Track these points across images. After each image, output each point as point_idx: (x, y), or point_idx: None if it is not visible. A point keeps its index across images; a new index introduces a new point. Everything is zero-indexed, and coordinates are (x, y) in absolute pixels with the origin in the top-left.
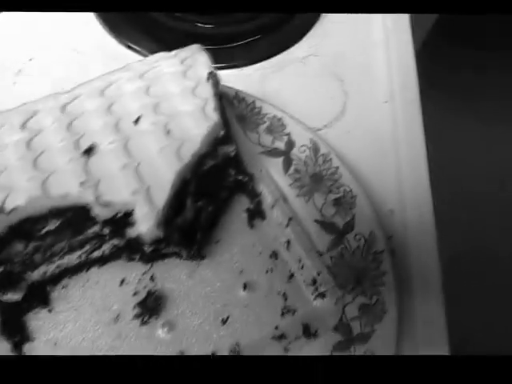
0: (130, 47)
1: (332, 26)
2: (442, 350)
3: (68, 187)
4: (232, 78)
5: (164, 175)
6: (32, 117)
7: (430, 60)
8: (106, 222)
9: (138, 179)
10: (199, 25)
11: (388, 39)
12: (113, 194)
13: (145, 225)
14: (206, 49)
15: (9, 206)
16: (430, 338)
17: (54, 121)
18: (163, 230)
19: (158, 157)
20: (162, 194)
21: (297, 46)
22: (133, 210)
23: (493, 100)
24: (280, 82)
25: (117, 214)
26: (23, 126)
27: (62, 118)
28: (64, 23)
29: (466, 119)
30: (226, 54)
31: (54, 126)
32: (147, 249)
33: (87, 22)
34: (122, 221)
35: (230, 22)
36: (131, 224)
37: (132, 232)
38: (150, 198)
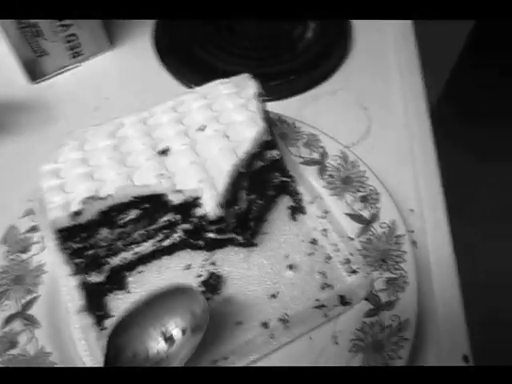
0: (186, 85)
1: (355, 66)
2: (457, 304)
3: (149, 179)
4: (275, 106)
5: (224, 167)
6: (119, 128)
7: None
8: (178, 208)
9: (204, 171)
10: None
11: (402, 77)
12: (184, 183)
13: (209, 205)
14: None
15: (102, 193)
16: (445, 301)
17: (136, 130)
18: (224, 211)
19: (219, 154)
20: (222, 181)
21: (327, 82)
22: (199, 196)
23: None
24: (314, 110)
25: (187, 198)
26: (112, 134)
27: (143, 128)
28: (132, 70)
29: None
30: (271, 89)
31: (137, 134)
32: (211, 228)
33: (151, 68)
34: (191, 204)
35: (273, 63)
36: (199, 206)
37: (200, 211)
38: (213, 185)
